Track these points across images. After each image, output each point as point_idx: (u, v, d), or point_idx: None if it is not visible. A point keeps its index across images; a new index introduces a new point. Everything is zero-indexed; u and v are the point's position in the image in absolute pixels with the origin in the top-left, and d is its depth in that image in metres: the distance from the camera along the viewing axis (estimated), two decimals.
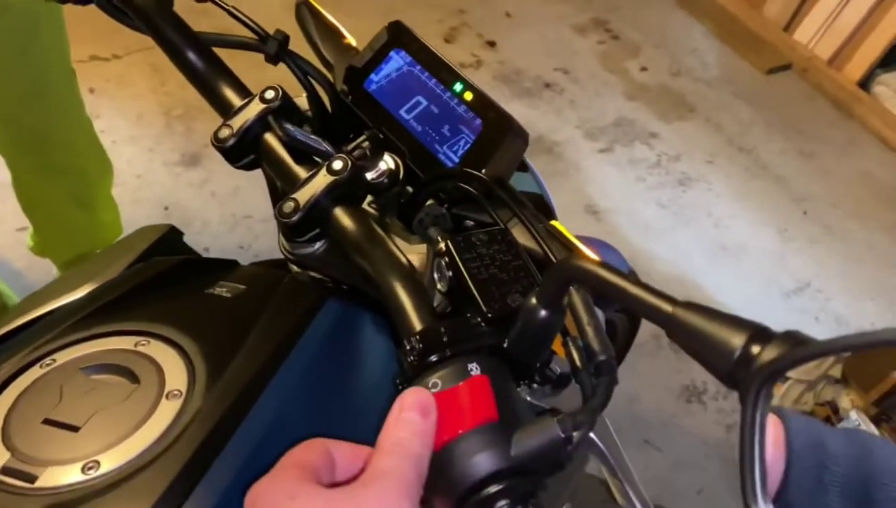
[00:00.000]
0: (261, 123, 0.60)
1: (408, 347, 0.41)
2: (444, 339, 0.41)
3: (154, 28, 0.66)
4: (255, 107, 0.60)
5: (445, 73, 0.66)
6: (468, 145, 0.64)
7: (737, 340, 0.30)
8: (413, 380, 0.41)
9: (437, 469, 0.38)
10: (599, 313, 0.42)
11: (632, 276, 0.34)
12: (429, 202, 0.64)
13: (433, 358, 0.41)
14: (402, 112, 0.67)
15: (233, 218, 2.05)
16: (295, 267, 0.67)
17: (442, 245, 0.50)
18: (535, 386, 0.45)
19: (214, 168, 2.14)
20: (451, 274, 0.47)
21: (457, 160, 0.64)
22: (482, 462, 0.38)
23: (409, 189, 0.67)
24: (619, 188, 2.40)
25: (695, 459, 1.77)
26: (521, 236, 0.54)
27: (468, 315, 0.44)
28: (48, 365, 0.48)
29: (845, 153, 2.70)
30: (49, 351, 0.49)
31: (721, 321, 0.31)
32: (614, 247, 1.26)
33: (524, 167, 0.81)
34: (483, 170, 0.62)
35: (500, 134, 0.63)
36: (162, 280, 0.59)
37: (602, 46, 2.94)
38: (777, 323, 0.30)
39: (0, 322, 0.59)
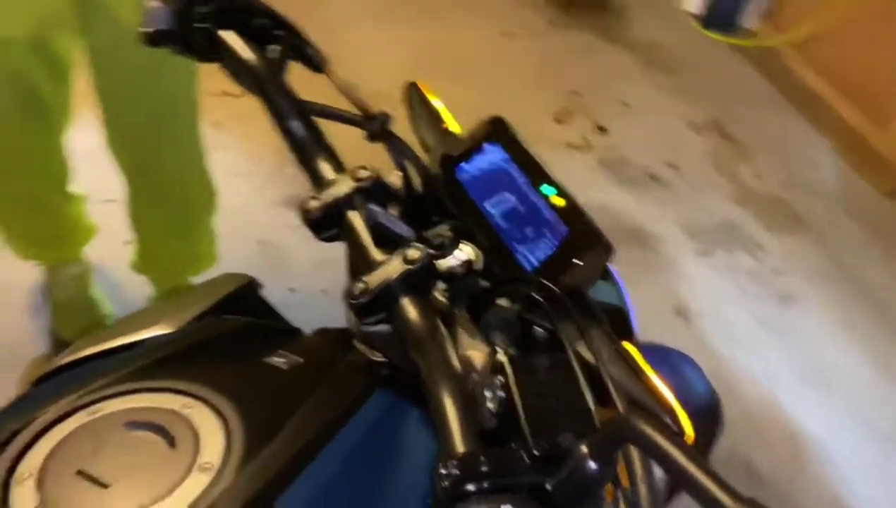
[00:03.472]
0: (348, 201, 0.61)
1: (443, 471, 0.39)
2: (483, 469, 0.39)
3: (263, 92, 0.69)
4: (345, 185, 0.61)
5: (538, 175, 0.65)
6: (550, 251, 0.62)
7: None
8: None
9: None
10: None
11: (694, 452, 0.31)
12: (501, 301, 0.62)
13: (469, 487, 0.39)
14: (487, 205, 0.66)
15: (322, 261, 2.08)
16: (358, 343, 0.66)
17: (501, 358, 0.48)
18: None
19: None
20: (503, 394, 0.45)
21: (535, 264, 0.62)
22: None
23: (484, 282, 0.65)
24: (714, 293, 2.30)
25: None
26: (590, 354, 0.52)
27: (513, 445, 0.42)
28: (94, 412, 0.48)
29: None
30: (99, 397, 0.50)
31: None
32: (693, 360, 1.18)
33: (607, 275, 0.78)
34: (563, 278, 0.60)
35: (585, 245, 0.61)
36: (223, 340, 0.59)
37: (715, 147, 2.88)
38: (877, 474, 0.26)
39: (60, 355, 0.61)
